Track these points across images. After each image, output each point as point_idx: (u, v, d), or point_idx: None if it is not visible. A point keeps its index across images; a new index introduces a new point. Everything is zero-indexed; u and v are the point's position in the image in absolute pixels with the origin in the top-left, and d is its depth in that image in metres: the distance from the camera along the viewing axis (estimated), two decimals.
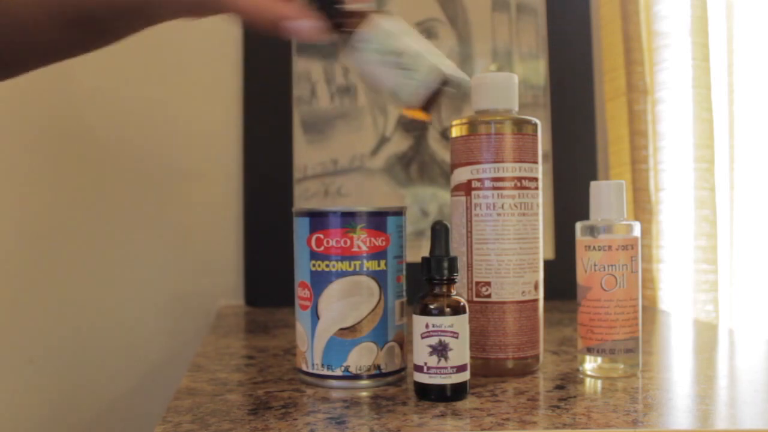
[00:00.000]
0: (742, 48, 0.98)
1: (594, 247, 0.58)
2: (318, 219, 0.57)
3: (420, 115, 0.50)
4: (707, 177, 0.94)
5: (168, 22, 0.55)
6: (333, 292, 0.56)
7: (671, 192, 0.97)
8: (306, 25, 0.48)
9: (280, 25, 0.48)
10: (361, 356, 0.56)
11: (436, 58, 0.49)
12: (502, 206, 0.59)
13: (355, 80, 1.05)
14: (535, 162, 0.60)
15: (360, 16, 0.49)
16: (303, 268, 0.58)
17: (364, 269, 0.56)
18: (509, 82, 0.61)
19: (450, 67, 0.50)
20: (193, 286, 1.05)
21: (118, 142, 1.04)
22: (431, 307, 0.53)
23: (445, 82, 0.49)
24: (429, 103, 0.49)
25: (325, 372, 0.57)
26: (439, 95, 0.49)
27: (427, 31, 1.06)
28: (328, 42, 0.51)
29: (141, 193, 1.05)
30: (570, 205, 1.00)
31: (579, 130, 1.07)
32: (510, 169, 0.59)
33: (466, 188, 0.60)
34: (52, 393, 1.01)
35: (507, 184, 0.59)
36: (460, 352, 0.52)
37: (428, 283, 0.54)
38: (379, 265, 0.57)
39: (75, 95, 1.04)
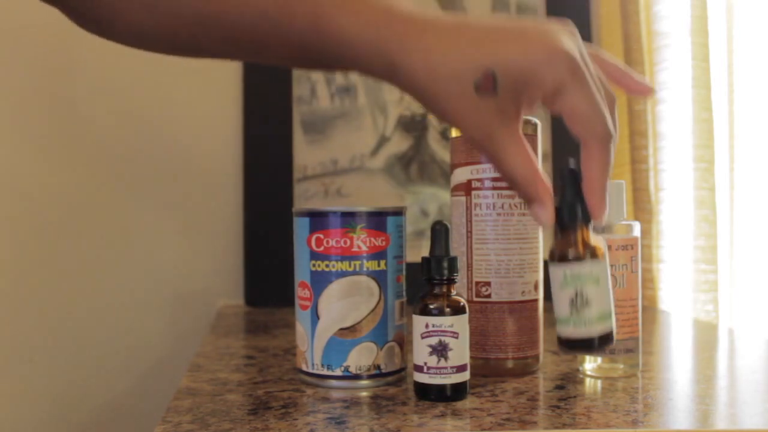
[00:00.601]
0: (742, 48, 0.98)
1: None
2: (318, 219, 0.57)
3: (563, 350, 0.51)
4: (707, 177, 0.94)
5: None
6: (333, 292, 0.56)
7: (671, 192, 0.97)
8: (546, 215, 0.48)
9: (532, 204, 0.48)
10: (361, 356, 0.56)
11: (612, 323, 0.50)
12: (502, 206, 0.59)
13: (355, 80, 1.05)
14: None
15: (588, 249, 0.49)
16: (303, 268, 0.58)
17: (364, 269, 0.56)
18: None
19: (615, 334, 0.51)
20: (193, 286, 1.05)
21: (118, 142, 1.04)
22: (431, 307, 0.53)
23: (603, 343, 0.50)
24: (576, 349, 0.50)
25: (325, 372, 0.57)
26: (589, 349, 0.50)
27: None
28: (544, 227, 0.49)
29: (141, 192, 1.05)
30: None
31: None
32: None
33: (466, 188, 0.60)
34: (52, 393, 1.01)
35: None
36: (460, 352, 0.52)
37: (428, 283, 0.54)
38: (379, 265, 0.57)
39: (75, 95, 1.04)
